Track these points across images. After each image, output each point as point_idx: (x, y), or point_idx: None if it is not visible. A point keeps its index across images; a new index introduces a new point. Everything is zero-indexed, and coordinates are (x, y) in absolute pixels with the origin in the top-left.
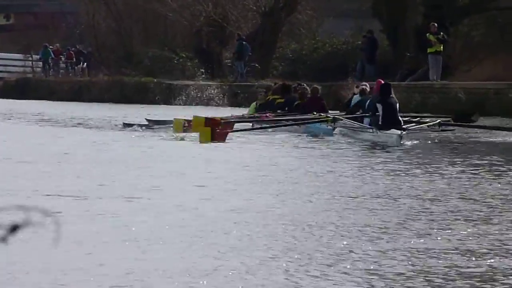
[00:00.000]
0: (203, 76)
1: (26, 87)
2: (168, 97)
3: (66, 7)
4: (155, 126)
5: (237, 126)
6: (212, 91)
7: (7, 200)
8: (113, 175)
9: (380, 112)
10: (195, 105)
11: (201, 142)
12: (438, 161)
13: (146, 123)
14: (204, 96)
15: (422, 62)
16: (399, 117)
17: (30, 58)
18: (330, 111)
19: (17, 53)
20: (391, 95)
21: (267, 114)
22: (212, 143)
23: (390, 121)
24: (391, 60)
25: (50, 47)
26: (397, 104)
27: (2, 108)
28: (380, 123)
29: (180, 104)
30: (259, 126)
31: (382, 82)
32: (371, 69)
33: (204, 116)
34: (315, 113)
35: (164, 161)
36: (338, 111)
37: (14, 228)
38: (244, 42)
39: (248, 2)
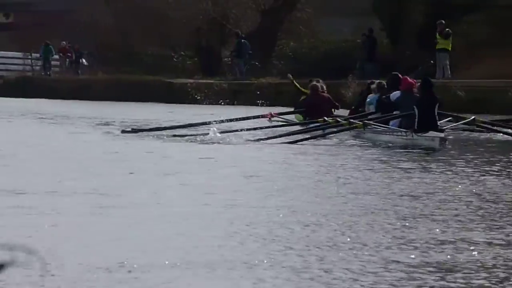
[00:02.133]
0: (202, 74)
1: (26, 86)
2: (168, 95)
3: (66, 6)
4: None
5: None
6: (212, 89)
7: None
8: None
9: (416, 112)
10: (194, 104)
11: None
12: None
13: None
14: (203, 94)
15: (422, 60)
16: (436, 117)
17: (30, 57)
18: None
19: (16, 52)
20: (431, 93)
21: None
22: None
23: (427, 123)
24: (391, 58)
25: (63, 43)
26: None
27: (1, 106)
28: (416, 125)
29: (181, 103)
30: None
31: (408, 78)
32: (370, 67)
33: None
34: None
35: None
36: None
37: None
38: (243, 40)
39: (247, 0)
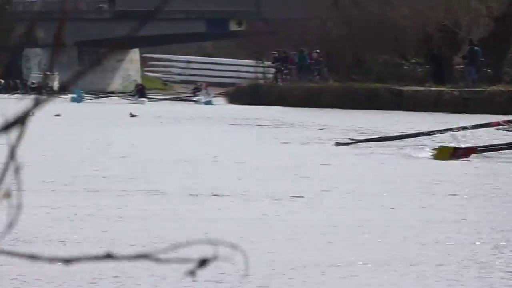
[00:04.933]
0: (433, 82)
1: (257, 93)
2: (396, 103)
3: (297, 14)
4: None
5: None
6: (442, 97)
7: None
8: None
9: None
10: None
11: (437, 159)
12: None
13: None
14: (433, 102)
15: None
16: None
17: (262, 65)
18: None
19: (248, 59)
20: None
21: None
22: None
23: None
24: None
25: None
26: None
27: (233, 112)
28: None
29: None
30: None
31: None
32: None
33: (453, 146)
34: None
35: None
36: None
37: (203, 262)
38: (475, 47)
39: (480, 7)
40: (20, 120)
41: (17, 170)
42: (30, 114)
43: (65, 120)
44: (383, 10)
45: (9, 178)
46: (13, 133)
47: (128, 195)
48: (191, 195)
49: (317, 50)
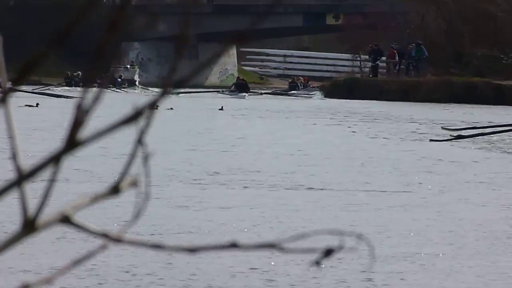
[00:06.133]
0: None
1: (353, 87)
2: (495, 98)
3: (397, 7)
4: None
5: None
6: None
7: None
8: None
9: None
10: None
11: None
12: None
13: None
14: None
15: None
16: None
17: (359, 58)
18: None
19: (345, 53)
20: None
21: None
22: None
23: None
24: None
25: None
26: None
27: (332, 106)
28: None
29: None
30: None
31: None
32: None
33: None
34: None
35: None
36: None
37: (328, 252)
38: None
39: None
40: (147, 111)
41: (145, 159)
42: (156, 106)
43: (177, 114)
44: (481, 3)
45: (137, 167)
46: (140, 123)
47: (249, 187)
48: (307, 188)
49: (414, 44)
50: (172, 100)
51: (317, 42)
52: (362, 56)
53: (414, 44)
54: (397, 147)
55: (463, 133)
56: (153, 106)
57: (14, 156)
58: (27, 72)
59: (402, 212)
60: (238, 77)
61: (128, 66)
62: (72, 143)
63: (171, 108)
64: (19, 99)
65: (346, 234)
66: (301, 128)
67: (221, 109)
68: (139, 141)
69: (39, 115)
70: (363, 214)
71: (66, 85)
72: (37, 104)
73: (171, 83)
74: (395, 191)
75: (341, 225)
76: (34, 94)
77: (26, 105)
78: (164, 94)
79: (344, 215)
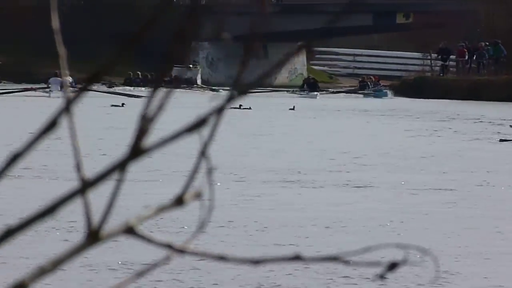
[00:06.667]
0: None
1: (423, 86)
2: None
3: (465, 6)
4: None
5: None
6: None
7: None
8: None
9: None
10: None
11: None
12: None
13: None
14: None
15: None
16: None
17: (429, 57)
18: None
19: (414, 52)
20: None
21: None
22: None
23: None
24: None
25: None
26: None
27: (404, 106)
28: None
29: None
30: None
31: None
32: None
33: None
34: None
35: None
36: None
37: (392, 266)
38: None
39: None
40: (214, 116)
41: (209, 170)
42: (224, 109)
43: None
44: None
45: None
46: (205, 130)
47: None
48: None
49: (487, 42)
50: (244, 100)
51: (386, 41)
52: (432, 54)
53: (487, 43)
54: (467, 146)
55: None
56: (219, 112)
57: (77, 165)
58: (100, 75)
59: (469, 212)
60: (308, 76)
61: (190, 66)
62: (136, 151)
63: (249, 108)
64: (96, 99)
65: (411, 248)
66: (373, 128)
67: (293, 108)
68: (203, 154)
69: (126, 116)
70: (435, 213)
71: (126, 86)
72: (123, 104)
73: (242, 86)
74: (465, 191)
75: (411, 227)
76: (108, 94)
77: (112, 105)
78: (233, 97)
79: (417, 216)
